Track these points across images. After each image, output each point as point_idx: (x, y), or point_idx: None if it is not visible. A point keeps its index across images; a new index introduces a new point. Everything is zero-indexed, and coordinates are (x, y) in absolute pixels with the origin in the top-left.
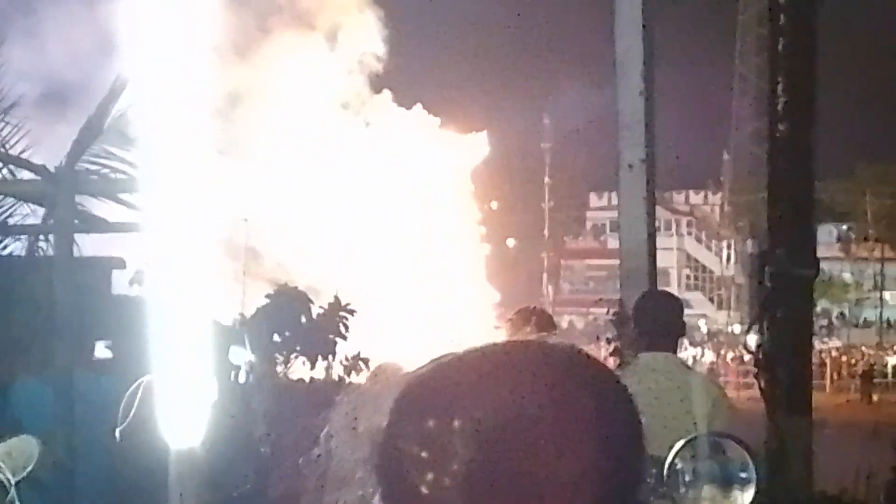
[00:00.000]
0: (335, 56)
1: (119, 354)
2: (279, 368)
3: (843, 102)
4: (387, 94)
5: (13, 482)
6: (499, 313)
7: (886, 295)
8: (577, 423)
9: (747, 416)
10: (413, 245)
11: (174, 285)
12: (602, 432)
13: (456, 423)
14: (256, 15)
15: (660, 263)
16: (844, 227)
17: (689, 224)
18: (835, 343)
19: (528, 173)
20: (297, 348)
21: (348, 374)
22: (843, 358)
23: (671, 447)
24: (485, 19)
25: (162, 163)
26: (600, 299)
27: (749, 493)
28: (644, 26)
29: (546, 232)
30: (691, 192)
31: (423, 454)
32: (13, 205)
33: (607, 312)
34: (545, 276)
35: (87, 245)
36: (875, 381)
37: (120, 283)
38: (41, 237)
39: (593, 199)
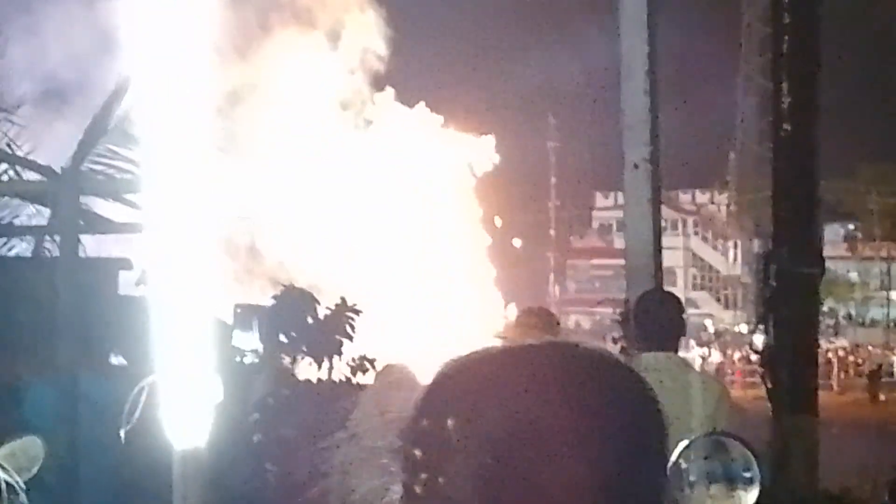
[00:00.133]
0: (337, 54)
1: (127, 357)
2: (290, 371)
3: (848, 101)
4: (389, 91)
5: (22, 485)
6: (504, 313)
7: (893, 294)
8: (601, 425)
9: (754, 415)
10: (416, 244)
11: (177, 285)
12: (627, 435)
13: (481, 421)
14: (257, 13)
15: (666, 263)
16: (851, 226)
17: (695, 223)
18: (841, 342)
19: (533, 173)
20: (304, 349)
21: (355, 375)
22: (850, 357)
23: (674, 447)
24: (488, 17)
25: (163, 162)
26: (606, 299)
27: (753, 493)
28: (648, 25)
29: (552, 231)
30: (697, 192)
31: (447, 448)
32: (19, 205)
33: (613, 312)
34: (551, 275)
35: (95, 246)
36: (882, 380)
37: (127, 283)
38: (46, 238)
39: (599, 199)
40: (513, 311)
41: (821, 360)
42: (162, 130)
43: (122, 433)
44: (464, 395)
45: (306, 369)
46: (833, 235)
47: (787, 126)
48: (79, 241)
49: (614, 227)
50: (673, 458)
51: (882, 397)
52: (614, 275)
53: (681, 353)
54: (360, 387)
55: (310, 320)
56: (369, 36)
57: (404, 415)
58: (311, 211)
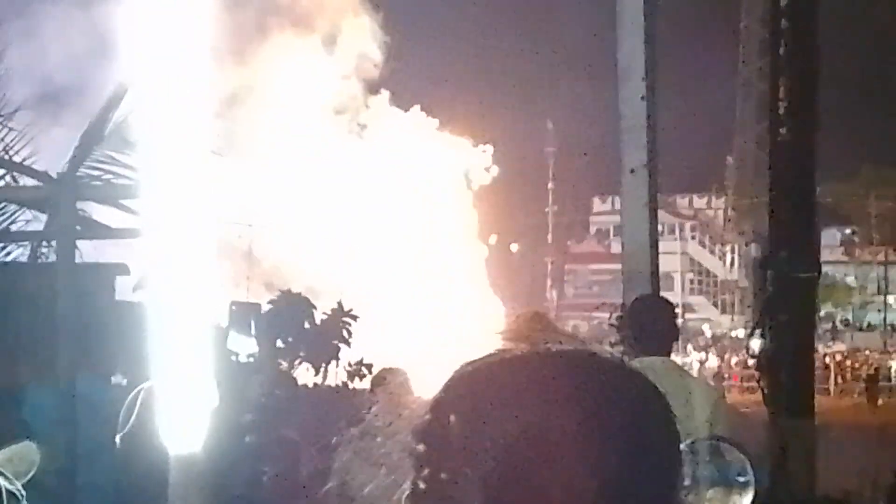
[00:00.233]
0: (333, 59)
1: (125, 369)
2: (288, 374)
3: (846, 105)
4: (384, 95)
5: (23, 493)
6: (502, 317)
7: (890, 298)
8: (613, 435)
9: (752, 420)
10: (413, 249)
11: (174, 290)
12: (641, 447)
13: (487, 423)
14: (254, 17)
15: (664, 268)
16: (848, 230)
17: (692, 228)
18: (839, 347)
19: (531, 177)
20: (301, 354)
21: (352, 380)
22: (848, 362)
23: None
24: (486, 22)
25: (160, 167)
26: (604, 303)
27: (748, 497)
28: (646, 29)
29: (550, 236)
30: (695, 197)
31: (451, 446)
32: (16, 211)
33: (610, 317)
34: (549, 280)
35: (93, 251)
36: (880, 384)
37: (124, 289)
38: (44, 243)
39: (597, 204)
40: (511, 316)
41: (818, 364)
42: (159, 135)
43: (118, 437)
44: (473, 396)
45: (304, 374)
46: (831, 240)
47: (784, 130)
48: (76, 246)
49: (612, 232)
50: None
51: (880, 401)
52: (612, 279)
53: (679, 358)
54: (357, 391)
55: (307, 325)
56: (365, 40)
57: (416, 413)
58: (308, 215)
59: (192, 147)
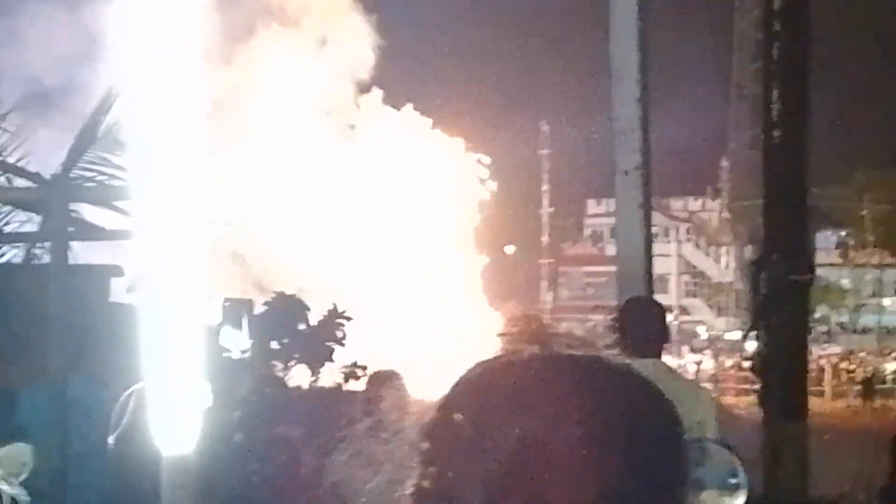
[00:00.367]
0: (324, 58)
1: (119, 370)
2: (279, 375)
3: (840, 108)
4: (377, 94)
5: (26, 498)
6: (496, 320)
7: (885, 301)
8: (622, 437)
9: (747, 422)
10: (406, 249)
11: (167, 292)
12: (648, 448)
13: (492, 424)
14: (245, 17)
15: (658, 270)
16: (843, 233)
17: (687, 230)
18: (834, 349)
19: (525, 179)
20: (296, 355)
21: (347, 381)
22: (843, 364)
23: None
24: (480, 23)
25: (150, 168)
26: (598, 306)
27: (740, 500)
28: (639, 32)
29: (544, 238)
30: (690, 199)
31: (465, 450)
32: (9, 212)
33: (605, 319)
34: (544, 282)
35: (86, 253)
36: (875, 386)
37: (118, 291)
38: (37, 245)
39: (591, 206)
40: (504, 318)
41: (813, 366)
42: (149, 136)
43: (110, 438)
44: (481, 396)
45: (299, 376)
46: (825, 242)
47: (777, 133)
48: (69, 247)
49: (606, 235)
50: None
51: (875, 404)
52: (607, 282)
53: (674, 360)
54: (351, 392)
55: (301, 326)
56: (356, 40)
57: (417, 413)
58: (300, 215)
59: (182, 148)
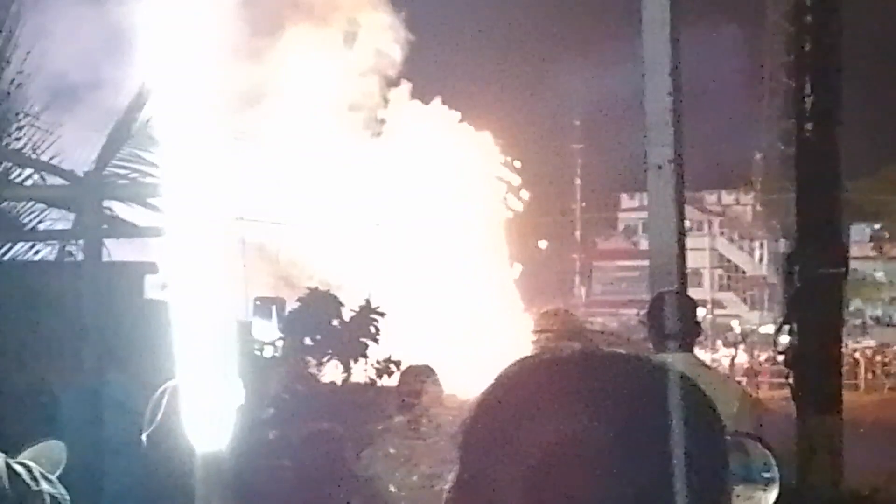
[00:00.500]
0: (352, 53)
1: (153, 367)
2: (312, 371)
3: (873, 100)
4: (405, 87)
5: (67, 498)
6: (528, 315)
7: None
8: (663, 438)
9: (780, 415)
10: (439, 245)
11: (200, 288)
12: (689, 449)
13: (540, 424)
14: (272, 13)
15: (692, 264)
16: (877, 226)
17: (721, 224)
18: (868, 342)
19: (557, 174)
20: (329, 351)
21: (380, 377)
22: (877, 357)
23: None
24: (509, 16)
25: (185, 166)
26: (631, 300)
27: (773, 494)
28: (671, 25)
29: (577, 233)
30: (723, 193)
31: (504, 447)
32: (43, 210)
33: (637, 313)
34: (577, 277)
35: (119, 250)
36: None
37: (152, 287)
38: (71, 242)
39: (624, 200)
40: (536, 313)
41: (847, 360)
42: (181, 133)
43: (144, 436)
44: (521, 393)
45: (332, 371)
46: (860, 235)
47: (810, 126)
48: (103, 245)
49: (640, 229)
50: None
51: None
52: (640, 276)
53: (708, 355)
54: (385, 388)
55: (335, 322)
56: (385, 35)
57: (454, 409)
58: (329, 211)
59: (213, 145)
